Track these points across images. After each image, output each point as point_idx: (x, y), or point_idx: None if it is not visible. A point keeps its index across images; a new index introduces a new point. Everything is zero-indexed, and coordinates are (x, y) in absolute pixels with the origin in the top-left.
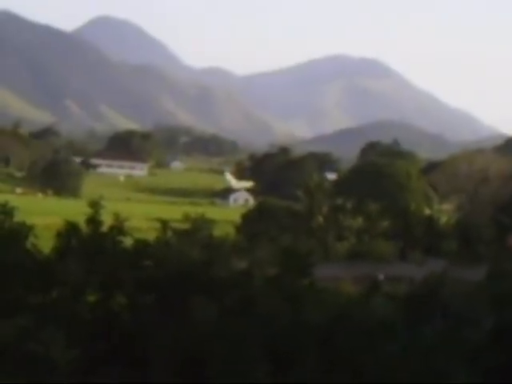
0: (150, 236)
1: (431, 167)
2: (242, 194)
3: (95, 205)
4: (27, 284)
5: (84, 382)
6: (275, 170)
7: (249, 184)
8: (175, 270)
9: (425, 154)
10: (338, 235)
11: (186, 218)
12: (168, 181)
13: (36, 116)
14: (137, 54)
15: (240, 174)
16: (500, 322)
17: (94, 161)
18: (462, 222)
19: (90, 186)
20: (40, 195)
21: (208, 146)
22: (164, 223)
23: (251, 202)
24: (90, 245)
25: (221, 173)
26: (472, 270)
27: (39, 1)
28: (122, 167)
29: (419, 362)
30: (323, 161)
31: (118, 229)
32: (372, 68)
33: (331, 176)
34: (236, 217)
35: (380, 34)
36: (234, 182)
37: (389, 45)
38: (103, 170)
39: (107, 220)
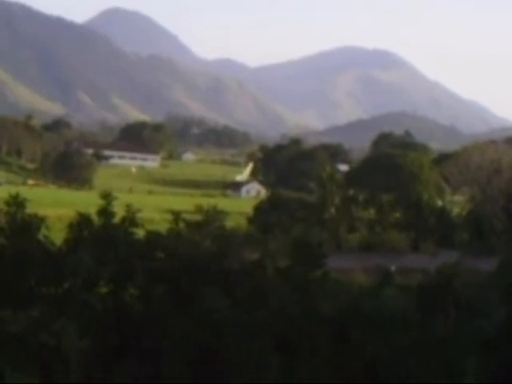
0: (162, 227)
1: (443, 158)
2: (254, 186)
3: (107, 196)
4: (39, 275)
5: (95, 372)
6: (287, 161)
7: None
8: (187, 261)
9: (437, 145)
10: (350, 226)
11: (198, 209)
12: (180, 172)
13: (48, 108)
14: (148, 45)
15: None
16: (511, 313)
17: (106, 152)
18: (474, 213)
19: (102, 177)
20: (52, 187)
21: (220, 138)
22: (176, 215)
23: (263, 193)
24: (102, 236)
25: (233, 164)
26: (484, 261)
27: None
28: (134, 159)
29: (431, 352)
30: (335, 152)
31: (130, 220)
32: (384, 59)
33: (343, 167)
34: (248, 208)
35: (392, 24)
36: (246, 174)
37: (401, 35)
38: (115, 161)
39: (120, 211)
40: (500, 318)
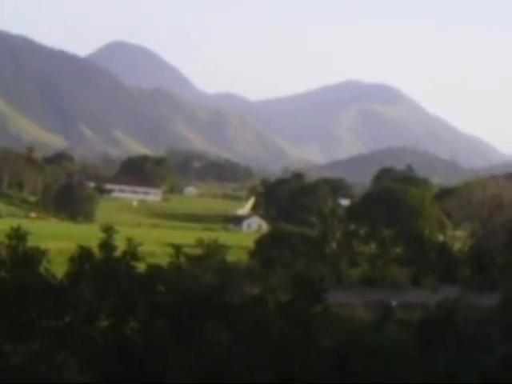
0: (163, 261)
1: (444, 193)
2: (255, 220)
3: (108, 230)
4: (40, 308)
5: None
6: (289, 195)
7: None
8: (188, 295)
9: (437, 179)
10: (352, 261)
11: (200, 243)
12: (181, 206)
13: (50, 140)
14: (150, 79)
15: (254, 200)
16: None
17: (108, 186)
18: (476, 249)
19: (103, 210)
20: (53, 220)
21: (221, 172)
22: (177, 248)
23: (264, 227)
24: (103, 269)
25: (234, 198)
26: (486, 297)
27: (54, 26)
28: (135, 192)
29: None
30: (337, 186)
31: (131, 254)
32: (385, 93)
33: (345, 202)
34: (249, 242)
35: (393, 59)
36: (247, 208)
37: (401, 70)
38: (117, 194)
39: (121, 245)
40: (502, 354)
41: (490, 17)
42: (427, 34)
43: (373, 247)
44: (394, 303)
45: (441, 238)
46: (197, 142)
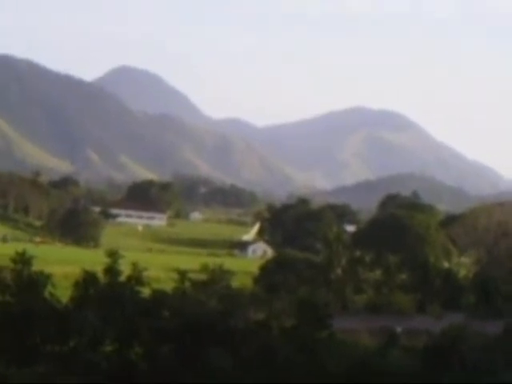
0: (168, 286)
1: (450, 220)
2: (260, 246)
3: (113, 254)
4: (45, 333)
5: None
6: (294, 221)
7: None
8: (192, 320)
9: (444, 206)
10: (357, 287)
11: (205, 268)
12: (187, 231)
13: (55, 165)
14: (156, 104)
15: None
16: None
17: (113, 210)
18: (481, 276)
19: (108, 235)
20: (58, 244)
21: (227, 197)
22: (182, 274)
23: (270, 253)
24: (108, 294)
25: (240, 224)
26: (491, 324)
27: (60, 51)
28: (140, 217)
29: None
30: (342, 212)
31: (136, 279)
32: (391, 120)
33: (350, 228)
34: (254, 268)
35: (400, 86)
36: (252, 234)
37: (409, 97)
38: (122, 219)
39: (126, 270)
40: (506, 381)
41: (503, 44)
42: (435, 61)
43: (378, 274)
44: (398, 330)
45: (446, 264)
46: (202, 168)
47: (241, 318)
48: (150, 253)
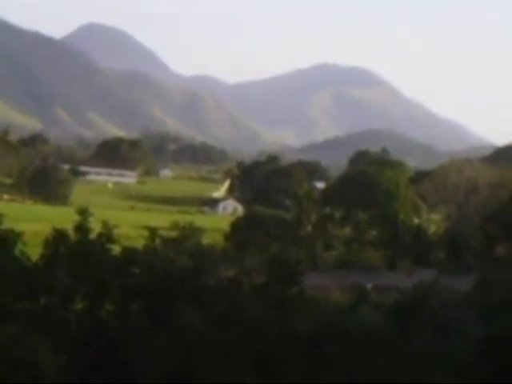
0: (139, 244)
1: (420, 176)
2: (230, 203)
3: (83, 212)
4: (15, 291)
5: None
6: (264, 178)
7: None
8: (162, 278)
9: (414, 163)
10: (327, 244)
11: (175, 226)
12: (157, 188)
13: (25, 123)
14: (126, 61)
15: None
16: (488, 332)
17: (83, 168)
18: (451, 232)
19: (78, 193)
20: (28, 202)
21: (196, 154)
22: (152, 231)
23: (240, 210)
24: (78, 252)
25: (210, 181)
26: (460, 280)
27: (28, 8)
28: (110, 175)
29: (407, 372)
30: (312, 169)
31: (107, 236)
32: (361, 77)
33: (320, 185)
34: (225, 225)
35: (369, 42)
36: (223, 191)
37: (378, 53)
38: (92, 177)
39: (96, 227)
40: (477, 337)
41: (471, 2)
42: (405, 17)
43: (348, 230)
44: (369, 286)
45: (416, 221)
46: (172, 125)
47: (212, 274)
48: (132, 211)
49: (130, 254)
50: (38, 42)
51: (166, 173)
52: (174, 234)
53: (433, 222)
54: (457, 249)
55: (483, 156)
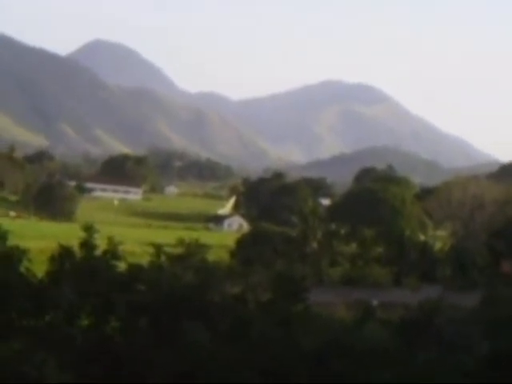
0: (144, 260)
1: (425, 193)
2: (236, 219)
3: (89, 229)
4: (21, 308)
5: None
6: (270, 195)
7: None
8: (168, 294)
9: (418, 179)
10: (332, 261)
11: (180, 242)
12: (162, 205)
13: (31, 139)
14: (131, 78)
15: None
16: (494, 349)
17: (89, 185)
18: (457, 248)
19: (84, 209)
20: (34, 219)
21: (202, 171)
22: (157, 248)
23: (245, 227)
24: (84, 269)
25: (215, 197)
26: (466, 296)
27: (34, 25)
28: (116, 191)
29: None
30: (318, 186)
31: (112, 253)
32: (366, 94)
33: (325, 201)
34: (230, 242)
35: (374, 59)
36: (228, 208)
37: (383, 70)
38: (98, 193)
39: (101, 244)
40: (482, 354)
41: (475, 18)
42: (410, 35)
43: (353, 247)
44: (374, 303)
45: (422, 237)
46: (177, 141)
47: (217, 291)
48: (149, 229)
49: (135, 270)
50: (43, 58)
51: (172, 189)
52: (179, 250)
53: (438, 238)
54: (463, 265)
55: (489, 172)
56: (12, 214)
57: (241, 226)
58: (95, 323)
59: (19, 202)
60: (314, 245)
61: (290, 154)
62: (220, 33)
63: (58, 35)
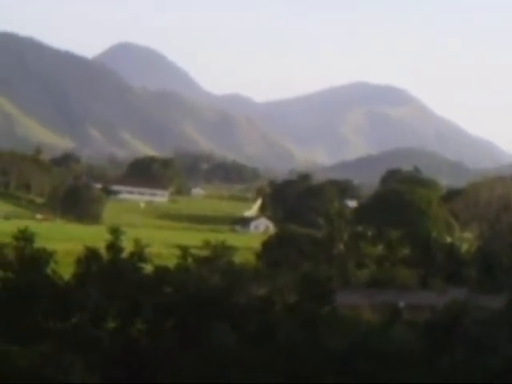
0: (171, 262)
1: (451, 195)
2: (262, 221)
3: (115, 231)
4: (47, 310)
5: None
6: (296, 196)
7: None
8: (195, 296)
9: (444, 180)
10: (359, 262)
11: (207, 244)
12: (189, 207)
13: (57, 142)
14: (158, 81)
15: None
16: None
17: (115, 187)
18: (483, 250)
19: (110, 212)
20: (60, 221)
21: (228, 173)
22: (184, 250)
23: (272, 229)
24: (110, 271)
25: (242, 200)
26: (493, 298)
27: (61, 28)
28: (142, 194)
29: None
30: (344, 188)
31: (139, 255)
32: (392, 95)
33: (352, 203)
34: (256, 244)
35: (401, 60)
36: (254, 210)
37: (409, 72)
38: (124, 196)
39: (128, 246)
40: (509, 354)
41: (501, 19)
42: (435, 35)
43: (380, 249)
44: (401, 305)
45: (448, 239)
46: (203, 144)
47: (243, 293)
48: (175, 231)
49: (162, 272)
50: (70, 61)
51: (198, 192)
52: (205, 252)
53: (465, 240)
54: (489, 267)
55: None
56: (39, 216)
57: (267, 227)
58: (121, 325)
59: (46, 205)
60: (341, 247)
61: (316, 156)
62: (246, 35)
63: (84, 38)
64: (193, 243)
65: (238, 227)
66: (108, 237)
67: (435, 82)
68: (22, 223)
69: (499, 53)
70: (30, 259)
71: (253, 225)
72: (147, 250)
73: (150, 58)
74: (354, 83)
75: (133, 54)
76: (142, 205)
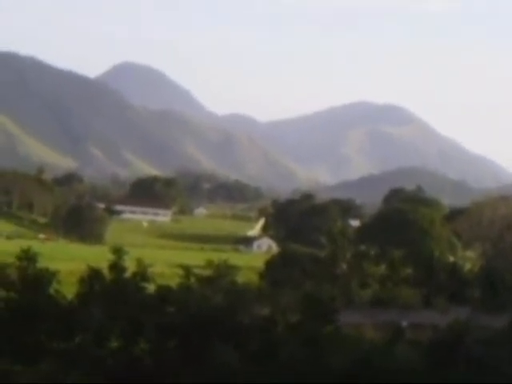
0: (173, 282)
1: (455, 214)
2: (265, 241)
3: (118, 251)
4: (50, 330)
5: None
6: (299, 216)
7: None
8: (197, 316)
9: (447, 200)
10: (362, 282)
11: (209, 264)
12: (191, 227)
13: (59, 161)
14: (160, 100)
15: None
16: None
17: (118, 207)
18: (486, 269)
19: (113, 232)
20: (63, 241)
21: (231, 192)
22: (187, 269)
23: (274, 248)
24: (113, 291)
25: (244, 219)
26: (495, 317)
27: (63, 47)
28: (145, 213)
29: None
30: (347, 207)
31: (141, 275)
32: (394, 114)
33: (355, 222)
34: (259, 263)
35: (402, 80)
36: (257, 229)
37: (411, 90)
38: (127, 216)
39: (131, 266)
40: (510, 374)
41: (502, 39)
42: (437, 55)
43: (383, 268)
44: (404, 324)
45: (451, 258)
46: (206, 163)
47: (246, 313)
48: (178, 250)
49: (164, 292)
50: (72, 80)
51: (201, 211)
52: (208, 272)
53: (468, 259)
54: (492, 286)
55: None
56: (41, 236)
57: (270, 247)
58: (124, 345)
59: (48, 225)
60: (344, 266)
61: (319, 175)
62: (247, 55)
63: (86, 57)
64: (195, 263)
65: (240, 247)
66: (111, 256)
67: (437, 100)
68: (24, 243)
69: (501, 70)
70: (33, 279)
71: (255, 244)
72: (150, 270)
73: (151, 78)
74: (356, 102)
75: (135, 74)
76: (145, 224)
